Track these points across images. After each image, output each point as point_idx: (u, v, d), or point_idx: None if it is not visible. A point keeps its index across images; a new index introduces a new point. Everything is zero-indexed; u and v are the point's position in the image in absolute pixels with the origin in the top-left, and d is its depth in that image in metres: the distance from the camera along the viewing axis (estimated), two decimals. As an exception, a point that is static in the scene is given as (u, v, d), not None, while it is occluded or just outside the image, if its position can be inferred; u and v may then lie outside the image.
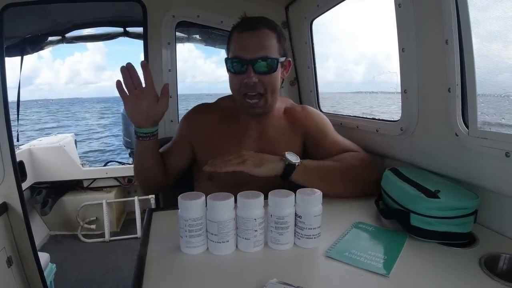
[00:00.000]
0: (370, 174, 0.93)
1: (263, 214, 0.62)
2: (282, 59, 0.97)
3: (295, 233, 0.64)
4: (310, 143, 1.07)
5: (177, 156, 1.06)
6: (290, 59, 1.03)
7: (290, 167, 0.85)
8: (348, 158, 0.96)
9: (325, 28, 1.46)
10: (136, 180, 0.94)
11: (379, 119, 1.12)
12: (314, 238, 0.63)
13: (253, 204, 0.60)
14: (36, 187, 2.89)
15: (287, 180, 0.86)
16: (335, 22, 1.39)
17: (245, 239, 0.61)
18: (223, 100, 1.13)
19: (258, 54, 0.92)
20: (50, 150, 3.00)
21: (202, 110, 1.11)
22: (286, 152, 0.88)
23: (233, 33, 0.98)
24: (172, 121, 1.57)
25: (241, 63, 0.93)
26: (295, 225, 0.63)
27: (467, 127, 0.74)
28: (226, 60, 0.98)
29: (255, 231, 0.61)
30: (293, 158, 0.87)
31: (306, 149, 1.08)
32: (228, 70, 0.98)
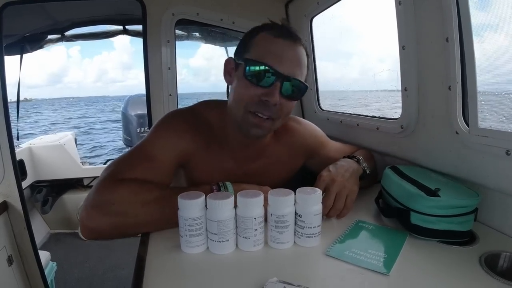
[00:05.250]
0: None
1: (263, 213, 0.62)
2: None
3: (295, 232, 0.64)
4: (313, 161, 0.99)
5: (169, 179, 0.80)
6: None
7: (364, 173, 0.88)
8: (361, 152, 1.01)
9: (327, 26, 1.45)
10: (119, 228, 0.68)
11: (379, 117, 1.12)
12: (314, 236, 0.63)
13: (252, 203, 0.60)
14: (36, 186, 2.89)
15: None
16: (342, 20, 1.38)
17: (245, 238, 0.61)
18: (208, 109, 0.89)
19: (294, 72, 0.75)
20: (50, 148, 3.00)
21: (193, 124, 0.85)
22: (359, 157, 0.89)
23: (260, 34, 0.77)
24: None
25: (270, 74, 0.73)
26: (295, 224, 0.63)
27: (468, 125, 0.74)
28: (246, 61, 0.75)
29: (255, 230, 0.61)
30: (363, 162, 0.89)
31: (308, 167, 1.01)
32: (244, 76, 0.75)
